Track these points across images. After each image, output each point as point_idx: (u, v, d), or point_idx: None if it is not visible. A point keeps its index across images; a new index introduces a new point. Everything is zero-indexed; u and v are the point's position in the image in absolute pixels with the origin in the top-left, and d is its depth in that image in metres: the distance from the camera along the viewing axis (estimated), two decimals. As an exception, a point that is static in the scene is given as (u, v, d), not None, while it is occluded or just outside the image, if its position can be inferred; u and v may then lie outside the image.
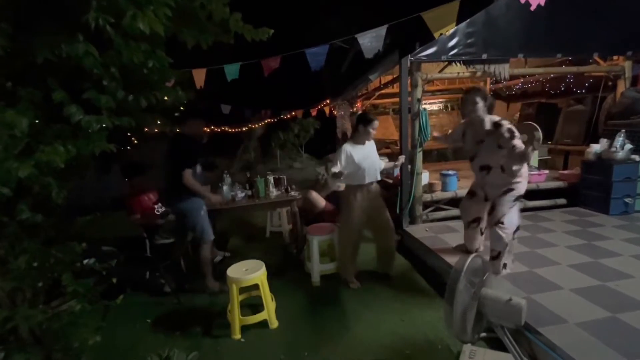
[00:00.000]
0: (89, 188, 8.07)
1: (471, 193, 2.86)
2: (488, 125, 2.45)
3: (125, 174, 3.67)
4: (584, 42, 3.87)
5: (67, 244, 1.45)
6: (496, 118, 2.48)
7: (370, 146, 2.95)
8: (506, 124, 2.39)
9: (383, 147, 7.22)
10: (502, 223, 2.46)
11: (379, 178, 2.99)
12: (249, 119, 7.76)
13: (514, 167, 2.39)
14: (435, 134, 3.13)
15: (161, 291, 3.08)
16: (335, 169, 2.74)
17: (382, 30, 1.96)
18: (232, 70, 2.63)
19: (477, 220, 2.86)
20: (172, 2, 1.07)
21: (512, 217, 2.50)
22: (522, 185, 2.48)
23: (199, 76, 2.81)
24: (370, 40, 1.95)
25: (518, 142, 2.31)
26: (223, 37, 1.55)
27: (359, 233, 3.02)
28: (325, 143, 9.41)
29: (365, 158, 2.87)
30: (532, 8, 1.57)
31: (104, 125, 1.17)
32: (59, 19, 1.16)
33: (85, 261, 2.93)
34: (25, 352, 1.38)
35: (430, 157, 7.69)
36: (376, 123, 2.85)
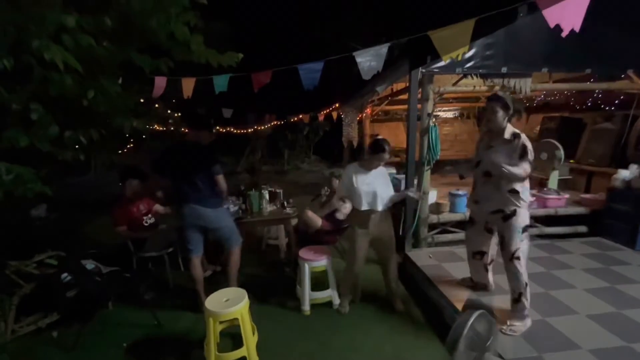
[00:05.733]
0: (95, 182, 8.09)
1: (470, 220, 2.66)
2: (507, 135, 2.26)
3: (122, 176, 3.49)
4: (617, 57, 3.49)
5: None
6: (517, 130, 2.27)
7: (377, 174, 2.70)
8: (523, 139, 2.21)
9: (392, 155, 6.92)
10: (519, 258, 2.22)
11: (379, 209, 2.69)
12: (252, 123, 7.57)
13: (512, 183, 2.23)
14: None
15: (142, 306, 2.93)
16: (346, 206, 2.65)
17: (382, 49, 1.70)
18: (220, 82, 2.41)
19: (480, 253, 2.64)
20: (94, 28, 0.85)
21: (525, 250, 2.26)
22: (522, 212, 2.24)
23: (188, 85, 2.60)
24: (370, 60, 1.69)
25: (526, 165, 2.15)
26: (191, 57, 1.33)
27: (362, 260, 2.80)
28: (334, 147, 9.17)
29: (365, 184, 2.65)
30: (564, 34, 1.30)
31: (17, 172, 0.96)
32: None
33: (63, 276, 2.85)
34: None
35: (442, 167, 7.33)
36: (384, 156, 2.61)
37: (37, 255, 2.82)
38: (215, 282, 3.00)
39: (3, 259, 2.60)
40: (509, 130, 2.26)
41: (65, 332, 2.62)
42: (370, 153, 2.67)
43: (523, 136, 2.22)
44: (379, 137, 2.77)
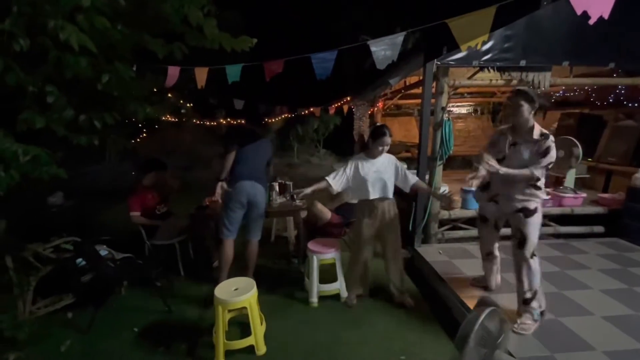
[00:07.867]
0: (109, 171, 8.26)
1: (482, 218, 2.57)
2: (536, 135, 2.15)
3: (145, 168, 3.54)
4: (643, 51, 3.34)
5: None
6: (546, 131, 2.18)
7: (383, 161, 2.70)
8: (550, 141, 2.11)
9: (403, 150, 6.84)
10: (535, 256, 2.18)
11: (389, 196, 2.72)
12: (263, 115, 7.58)
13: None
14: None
15: (153, 292, 2.98)
16: (330, 181, 2.65)
17: (398, 38, 1.66)
18: (233, 72, 2.40)
19: (490, 254, 2.58)
20: (108, 9, 0.85)
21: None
22: (540, 208, 2.20)
23: (201, 75, 2.60)
24: (385, 49, 1.65)
25: (539, 169, 2.09)
26: (204, 43, 1.32)
27: (368, 251, 2.80)
28: (344, 140, 9.12)
29: (372, 172, 2.64)
30: (592, 22, 1.24)
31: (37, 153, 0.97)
32: None
33: (78, 261, 2.92)
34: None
35: (454, 163, 7.23)
36: (386, 140, 2.59)
37: (54, 240, 2.89)
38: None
39: (22, 242, 2.68)
40: (538, 129, 2.15)
41: (80, 315, 2.69)
42: (372, 140, 2.66)
43: (551, 138, 2.12)
44: (378, 124, 2.79)
